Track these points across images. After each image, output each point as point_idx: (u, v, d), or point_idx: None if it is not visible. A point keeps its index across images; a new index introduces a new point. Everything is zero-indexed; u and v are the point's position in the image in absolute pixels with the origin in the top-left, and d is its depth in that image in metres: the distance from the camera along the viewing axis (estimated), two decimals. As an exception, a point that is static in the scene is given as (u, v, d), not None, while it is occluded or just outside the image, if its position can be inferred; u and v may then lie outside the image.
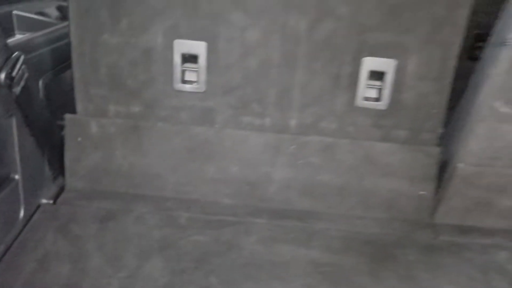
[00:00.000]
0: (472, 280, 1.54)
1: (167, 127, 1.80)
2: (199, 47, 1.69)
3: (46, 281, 1.38)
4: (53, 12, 2.44)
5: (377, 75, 1.68)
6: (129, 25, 1.68)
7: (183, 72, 1.73)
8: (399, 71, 1.68)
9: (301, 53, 1.68)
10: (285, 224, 1.71)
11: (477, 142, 1.60)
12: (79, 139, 1.80)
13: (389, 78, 1.68)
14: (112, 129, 1.79)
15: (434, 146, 1.76)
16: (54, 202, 1.74)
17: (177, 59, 1.71)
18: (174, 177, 1.82)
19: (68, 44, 1.75)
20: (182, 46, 1.69)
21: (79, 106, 1.79)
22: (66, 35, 1.79)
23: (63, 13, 2.30)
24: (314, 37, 1.67)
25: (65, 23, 2.07)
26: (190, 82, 1.75)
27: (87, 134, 1.79)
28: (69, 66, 1.89)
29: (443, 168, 1.74)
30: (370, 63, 1.67)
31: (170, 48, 1.70)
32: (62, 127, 1.90)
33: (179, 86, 1.74)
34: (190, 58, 1.72)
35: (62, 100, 2.00)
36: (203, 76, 1.72)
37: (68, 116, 1.80)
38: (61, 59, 2.05)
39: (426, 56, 1.65)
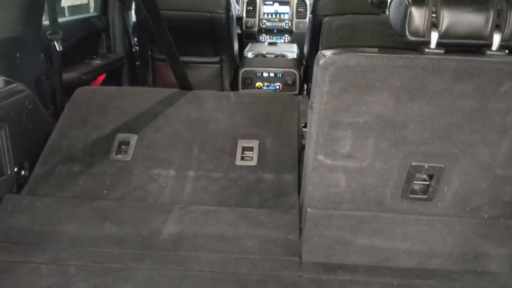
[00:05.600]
0: None
1: (79, 202, 2.31)
2: (132, 137, 2.69)
3: None
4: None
5: (248, 148, 2.65)
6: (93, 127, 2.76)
7: (117, 150, 2.65)
8: (261, 146, 2.65)
9: (198, 138, 2.70)
10: (163, 269, 1.91)
11: (316, 189, 1.80)
12: (9, 207, 2.21)
13: (255, 150, 2.63)
14: (38, 203, 2.25)
15: (295, 210, 2.21)
16: None
17: (116, 143, 2.66)
18: (73, 232, 2.06)
19: None
20: (120, 137, 2.70)
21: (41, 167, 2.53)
22: None
23: None
24: (207, 128, 2.75)
25: None
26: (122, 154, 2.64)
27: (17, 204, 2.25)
28: None
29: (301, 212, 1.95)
30: (243, 143, 2.67)
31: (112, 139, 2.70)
32: None
33: (113, 156, 2.61)
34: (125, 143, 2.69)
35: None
36: (130, 151, 2.62)
37: (7, 195, 2.29)
38: None
39: (277, 137, 2.68)
